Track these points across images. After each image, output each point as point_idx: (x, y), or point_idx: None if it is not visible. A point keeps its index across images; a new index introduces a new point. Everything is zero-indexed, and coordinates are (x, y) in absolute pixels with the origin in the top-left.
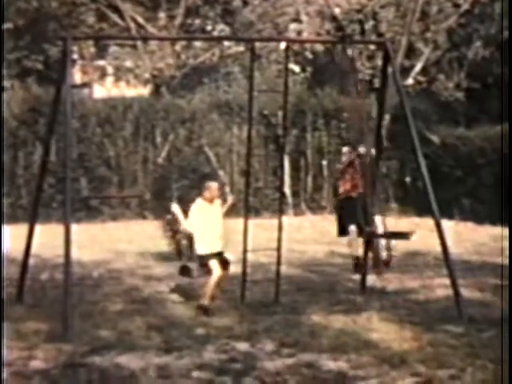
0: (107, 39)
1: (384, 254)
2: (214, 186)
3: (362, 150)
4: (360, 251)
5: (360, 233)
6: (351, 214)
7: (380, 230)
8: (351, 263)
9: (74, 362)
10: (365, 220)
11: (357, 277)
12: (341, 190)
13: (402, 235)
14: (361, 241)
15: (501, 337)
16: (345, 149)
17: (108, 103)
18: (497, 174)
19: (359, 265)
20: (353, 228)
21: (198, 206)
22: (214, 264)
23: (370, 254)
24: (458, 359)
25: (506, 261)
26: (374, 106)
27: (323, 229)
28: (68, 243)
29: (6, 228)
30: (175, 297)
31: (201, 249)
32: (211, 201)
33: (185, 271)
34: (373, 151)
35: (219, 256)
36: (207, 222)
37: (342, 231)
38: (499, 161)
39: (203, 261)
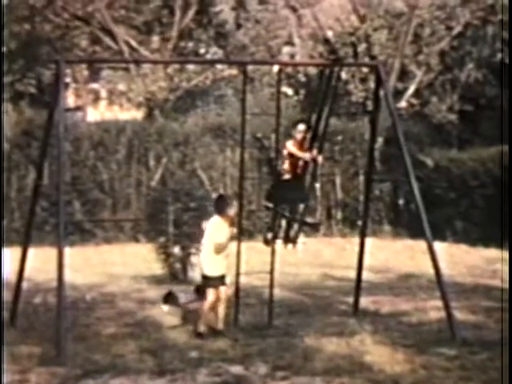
0: (100, 62)
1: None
2: (235, 206)
3: (307, 157)
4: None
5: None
6: (287, 193)
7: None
8: (344, 286)
9: None
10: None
11: (350, 299)
12: (286, 168)
13: (313, 225)
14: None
15: (498, 358)
16: (301, 127)
17: (101, 126)
18: (489, 196)
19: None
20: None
21: (216, 223)
22: (210, 291)
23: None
24: (451, 382)
25: (500, 283)
26: (366, 129)
27: (317, 252)
28: (61, 266)
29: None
30: (169, 320)
31: (209, 270)
32: (227, 221)
33: (169, 298)
34: (320, 158)
35: (223, 278)
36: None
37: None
38: (492, 183)
39: (210, 283)
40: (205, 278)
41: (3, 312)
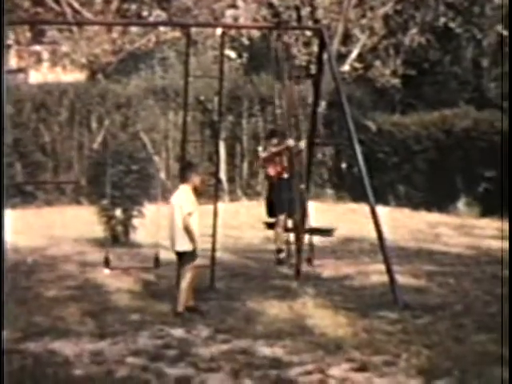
0: (43, 24)
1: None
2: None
3: (290, 142)
4: (283, 245)
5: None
6: (282, 200)
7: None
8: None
9: (8, 348)
10: (293, 210)
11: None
12: (271, 172)
13: (325, 231)
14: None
15: (440, 322)
16: (274, 140)
17: (43, 88)
18: (432, 160)
19: (280, 259)
20: (282, 218)
21: (185, 192)
22: (189, 268)
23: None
24: (392, 345)
25: (442, 247)
26: (309, 93)
27: (259, 215)
28: (1, 229)
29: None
30: (111, 283)
31: (186, 245)
32: (193, 190)
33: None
34: (302, 145)
35: (195, 252)
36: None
37: (271, 213)
38: (434, 147)
39: (189, 259)
40: (182, 254)
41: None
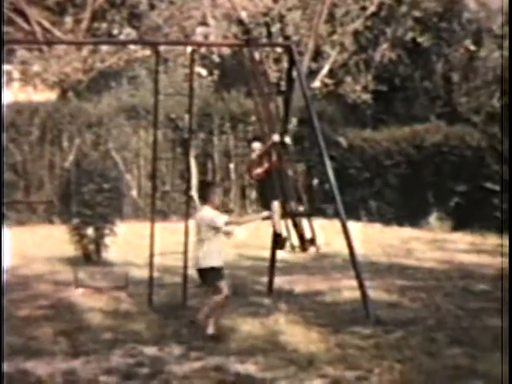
0: (13, 43)
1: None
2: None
3: (275, 137)
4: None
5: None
6: (272, 188)
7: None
8: (259, 265)
9: None
10: (285, 196)
11: (265, 279)
12: (258, 171)
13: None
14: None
15: (412, 337)
16: (255, 144)
17: (14, 108)
18: (403, 175)
19: (281, 241)
20: (275, 204)
21: (212, 212)
22: (223, 284)
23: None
24: (365, 360)
25: (414, 262)
26: (280, 109)
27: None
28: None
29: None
30: (83, 302)
31: (218, 260)
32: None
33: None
34: (287, 138)
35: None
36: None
37: (266, 205)
38: (405, 162)
39: (219, 275)
40: (208, 271)
41: (3, 311)
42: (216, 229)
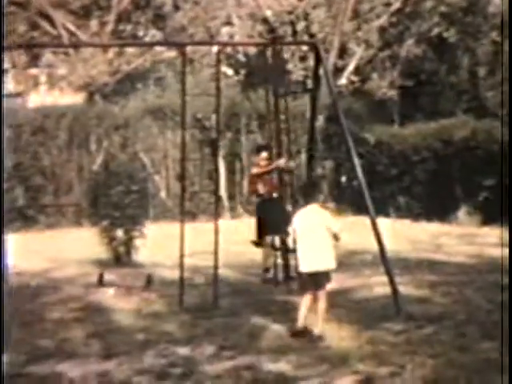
0: (38, 47)
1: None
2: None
3: (281, 162)
4: (271, 262)
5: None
6: (271, 220)
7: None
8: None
9: (13, 373)
10: (282, 230)
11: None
12: (261, 190)
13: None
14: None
15: (444, 332)
16: (263, 154)
17: (42, 112)
18: (431, 170)
19: (267, 278)
20: (270, 237)
21: (324, 211)
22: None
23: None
24: (397, 356)
25: (443, 257)
26: (307, 107)
27: None
28: (3, 253)
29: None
30: (114, 303)
31: (332, 261)
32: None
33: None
34: (292, 164)
35: None
36: None
37: (260, 234)
38: (433, 157)
39: (330, 278)
40: (320, 274)
41: (3, 311)
42: (330, 231)
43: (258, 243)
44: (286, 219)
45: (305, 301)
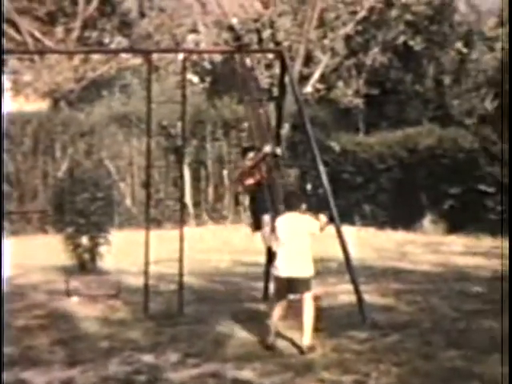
0: (4, 53)
1: None
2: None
3: (267, 148)
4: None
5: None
6: (264, 202)
7: None
8: (254, 272)
9: None
10: (276, 211)
11: (260, 285)
12: (250, 181)
13: None
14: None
15: (409, 340)
16: (250, 154)
17: (6, 118)
18: (396, 179)
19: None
20: (266, 218)
21: (306, 217)
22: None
23: None
24: (362, 364)
25: (408, 265)
26: (272, 115)
27: (225, 238)
28: None
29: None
30: (79, 310)
31: (312, 268)
32: None
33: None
34: (278, 149)
35: None
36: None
37: (258, 225)
38: (398, 166)
39: (310, 285)
40: (300, 281)
41: (3, 312)
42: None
43: (257, 226)
44: (280, 196)
45: (276, 311)
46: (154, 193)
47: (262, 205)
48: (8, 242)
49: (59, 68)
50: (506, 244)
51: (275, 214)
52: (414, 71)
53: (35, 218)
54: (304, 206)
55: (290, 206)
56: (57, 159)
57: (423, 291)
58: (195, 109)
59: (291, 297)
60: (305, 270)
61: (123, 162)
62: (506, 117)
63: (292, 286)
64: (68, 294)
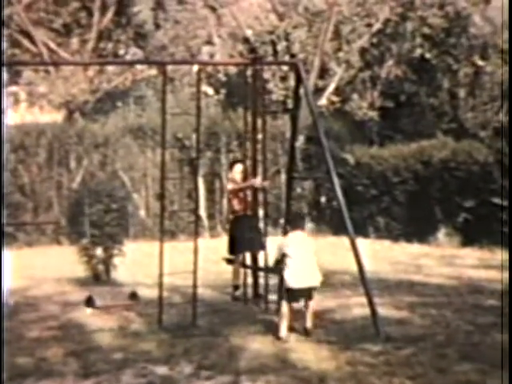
0: (19, 65)
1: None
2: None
3: (256, 182)
4: (240, 281)
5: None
6: (243, 238)
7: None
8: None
9: None
10: (253, 248)
11: (274, 297)
12: (236, 206)
13: (273, 270)
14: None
15: (423, 353)
16: (238, 166)
17: (21, 129)
18: (410, 191)
19: (236, 296)
20: (240, 255)
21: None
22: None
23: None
24: (376, 377)
25: (423, 278)
26: (287, 127)
27: None
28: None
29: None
30: (93, 322)
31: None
32: None
33: (89, 301)
34: (266, 184)
35: None
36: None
37: (232, 250)
38: (413, 178)
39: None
40: (309, 290)
41: (3, 312)
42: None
43: (230, 260)
44: (259, 237)
45: (285, 311)
46: (169, 204)
47: (240, 241)
48: (19, 253)
49: (74, 79)
50: None
51: (251, 250)
52: (428, 84)
53: (49, 229)
54: (307, 226)
55: (297, 226)
56: (71, 170)
57: (437, 304)
58: (210, 121)
59: (301, 304)
60: (315, 280)
61: (138, 173)
62: None
63: (302, 293)
64: (89, 304)
